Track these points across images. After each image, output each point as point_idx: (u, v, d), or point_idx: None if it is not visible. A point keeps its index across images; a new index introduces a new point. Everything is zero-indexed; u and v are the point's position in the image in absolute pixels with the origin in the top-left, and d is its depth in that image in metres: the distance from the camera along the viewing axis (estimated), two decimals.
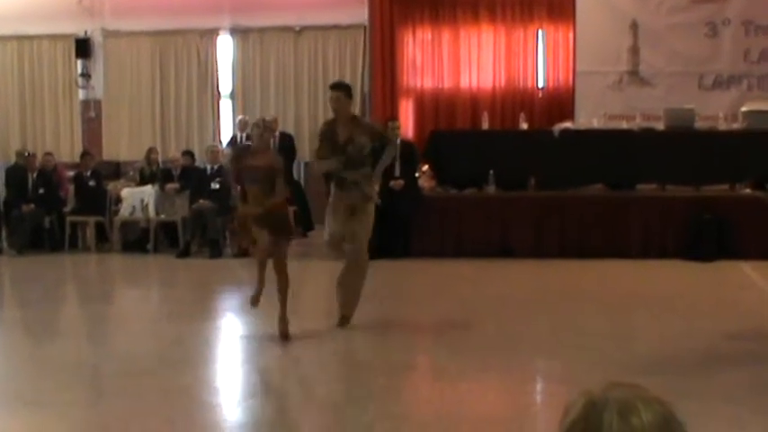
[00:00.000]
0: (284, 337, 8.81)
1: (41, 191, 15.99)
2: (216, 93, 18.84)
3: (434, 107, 18.25)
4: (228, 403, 7.05)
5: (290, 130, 17.35)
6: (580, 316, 9.83)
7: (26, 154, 16.67)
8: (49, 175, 16.42)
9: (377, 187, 9.77)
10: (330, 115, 18.02)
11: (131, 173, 17.52)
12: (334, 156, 9.29)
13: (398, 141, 14.46)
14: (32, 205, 15.75)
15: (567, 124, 15.36)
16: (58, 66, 19.30)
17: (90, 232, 16.04)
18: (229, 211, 15.05)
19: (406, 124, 17.76)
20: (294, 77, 18.42)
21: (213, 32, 18.73)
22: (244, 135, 17.33)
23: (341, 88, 9.58)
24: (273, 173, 8.99)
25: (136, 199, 15.88)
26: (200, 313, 10.11)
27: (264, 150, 9.28)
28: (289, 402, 6.90)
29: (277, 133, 16.91)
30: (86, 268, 15.13)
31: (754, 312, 9.91)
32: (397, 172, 14.24)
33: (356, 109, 18.08)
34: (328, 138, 9.36)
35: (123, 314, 11.12)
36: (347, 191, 9.25)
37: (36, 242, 15.83)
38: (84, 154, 16.92)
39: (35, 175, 16.13)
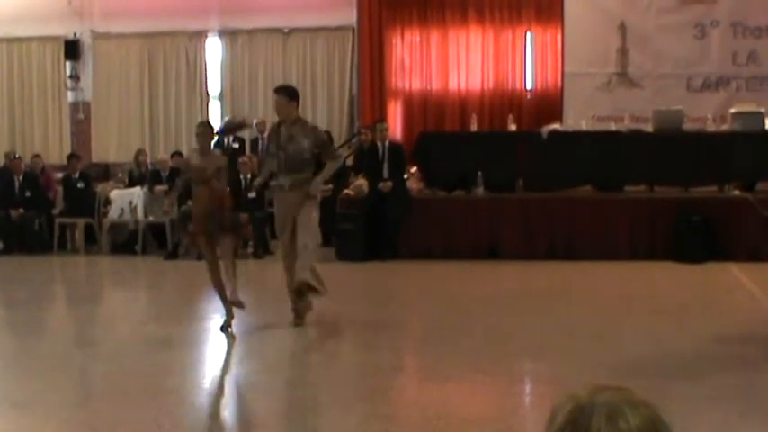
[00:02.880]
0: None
1: (28, 194, 15.95)
2: (205, 94, 18.85)
3: (423, 109, 18.27)
4: (216, 405, 7.05)
5: None
6: (568, 317, 9.84)
7: (12, 157, 16.62)
8: (35, 178, 16.37)
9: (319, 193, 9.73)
10: (319, 118, 18.16)
11: (120, 174, 17.51)
12: (272, 156, 9.50)
13: (387, 143, 14.49)
14: (21, 210, 15.71)
15: (556, 126, 15.37)
16: (46, 68, 19.30)
17: (79, 234, 16.03)
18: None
19: (395, 126, 17.79)
20: (283, 79, 18.37)
21: (202, 34, 18.74)
22: (231, 137, 17.33)
23: (281, 92, 9.58)
24: (220, 173, 9.24)
25: (124, 201, 15.86)
26: (189, 315, 10.09)
27: (208, 151, 9.43)
28: (277, 404, 6.90)
29: (266, 135, 16.92)
30: (75, 270, 15.10)
31: (742, 314, 9.93)
32: (386, 174, 14.24)
33: (344, 111, 18.19)
34: (273, 138, 9.58)
35: (111, 315, 11.10)
36: (288, 192, 9.26)
37: (25, 243, 15.78)
38: (72, 156, 16.89)
39: (21, 177, 16.08)
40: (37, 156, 17.24)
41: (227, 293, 9.10)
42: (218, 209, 9.24)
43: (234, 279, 9.11)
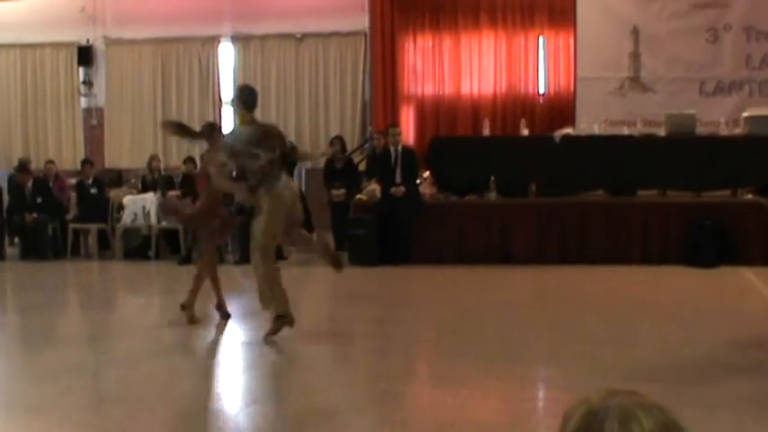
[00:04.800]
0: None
1: (39, 200, 15.98)
2: (217, 100, 18.88)
3: (435, 114, 18.28)
4: (230, 409, 7.05)
5: (291, 136, 17.33)
6: (581, 322, 9.82)
7: (22, 163, 16.69)
8: (45, 184, 16.40)
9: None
10: (331, 123, 18.15)
11: (133, 180, 17.55)
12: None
13: (399, 148, 14.49)
14: (34, 214, 15.76)
15: (568, 130, 15.36)
16: (60, 74, 19.36)
17: (92, 239, 16.06)
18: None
19: (407, 131, 17.80)
20: (295, 84, 18.47)
21: (214, 40, 18.77)
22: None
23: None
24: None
25: (137, 206, 15.89)
26: (202, 320, 10.09)
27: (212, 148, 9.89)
28: (290, 408, 6.90)
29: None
30: (88, 275, 15.15)
31: (756, 319, 9.89)
32: (398, 179, 14.25)
33: (357, 116, 18.21)
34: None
35: (125, 321, 11.12)
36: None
37: (39, 249, 15.81)
38: (85, 162, 16.95)
39: (30, 184, 16.12)
40: (50, 161, 17.30)
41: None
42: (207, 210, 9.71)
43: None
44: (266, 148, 9.04)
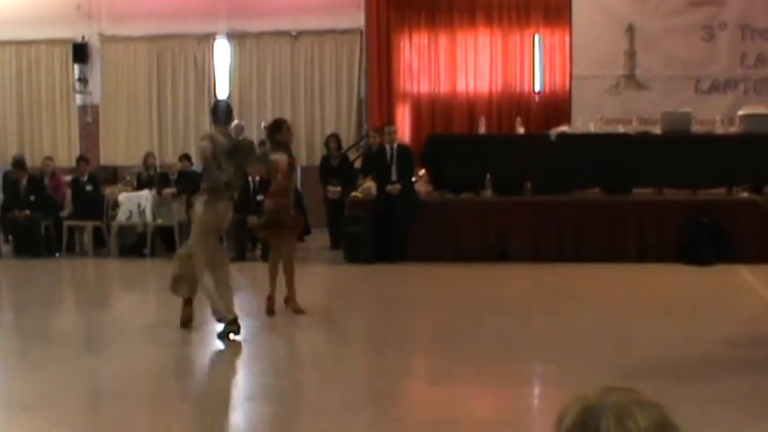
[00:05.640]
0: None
1: (32, 198, 15.92)
2: (213, 97, 18.83)
3: (431, 112, 18.27)
4: (226, 407, 7.05)
5: None
6: (577, 320, 9.83)
7: (17, 161, 16.65)
8: (39, 182, 16.36)
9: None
10: (327, 121, 18.15)
11: (128, 177, 17.51)
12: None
13: (395, 146, 14.48)
14: (27, 211, 15.72)
15: (564, 128, 15.35)
16: (55, 71, 19.33)
17: (87, 237, 16.03)
18: None
19: (403, 129, 17.78)
20: (290, 82, 18.45)
21: (210, 37, 18.74)
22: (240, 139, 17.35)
23: None
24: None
25: (133, 203, 15.86)
26: (197, 318, 10.08)
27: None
28: (286, 406, 6.90)
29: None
30: (83, 273, 15.12)
31: (751, 317, 9.91)
32: (394, 176, 14.23)
33: (352, 113, 18.21)
34: None
35: (120, 319, 11.10)
36: None
37: (33, 246, 15.77)
38: (80, 159, 16.90)
39: (24, 181, 16.08)
40: (48, 158, 17.24)
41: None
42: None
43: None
44: (230, 164, 9.20)
